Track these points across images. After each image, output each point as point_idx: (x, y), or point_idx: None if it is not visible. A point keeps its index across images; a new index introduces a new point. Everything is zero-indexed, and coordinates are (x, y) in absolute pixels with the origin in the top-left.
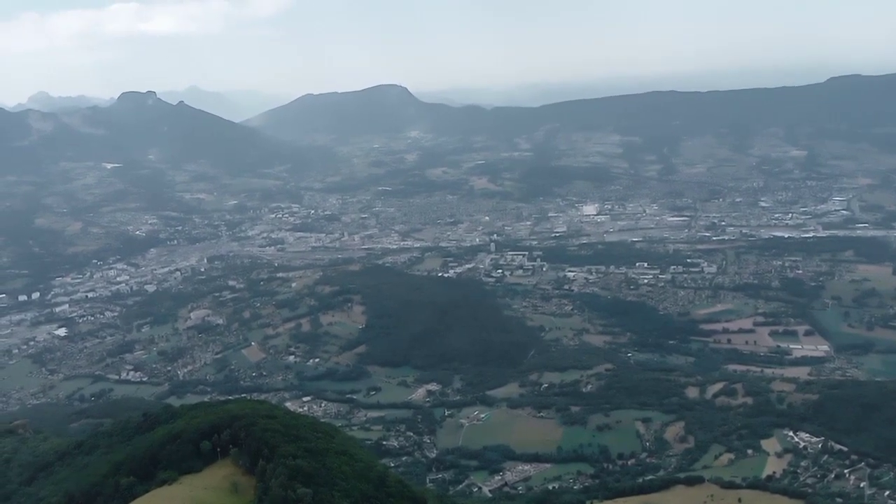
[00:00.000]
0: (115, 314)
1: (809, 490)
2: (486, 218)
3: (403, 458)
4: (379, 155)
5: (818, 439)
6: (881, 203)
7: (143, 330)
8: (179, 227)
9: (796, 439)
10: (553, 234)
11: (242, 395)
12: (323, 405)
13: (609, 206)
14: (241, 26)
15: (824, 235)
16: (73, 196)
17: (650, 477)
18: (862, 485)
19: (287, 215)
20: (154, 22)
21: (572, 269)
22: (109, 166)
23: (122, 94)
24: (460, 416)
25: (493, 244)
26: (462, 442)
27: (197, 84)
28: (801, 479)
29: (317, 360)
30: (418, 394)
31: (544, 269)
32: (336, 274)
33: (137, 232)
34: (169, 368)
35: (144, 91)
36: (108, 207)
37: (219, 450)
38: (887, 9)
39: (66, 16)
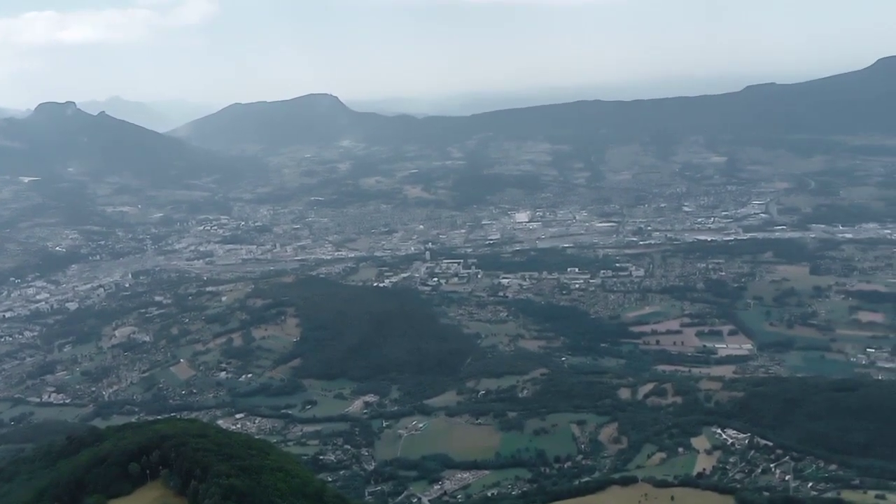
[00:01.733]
0: (35, 334)
1: (738, 485)
2: (421, 227)
3: (341, 472)
4: (311, 165)
5: (745, 435)
6: (797, 206)
7: (65, 350)
8: (102, 242)
9: (724, 436)
10: (487, 242)
11: (172, 415)
12: (257, 422)
13: (540, 214)
14: (165, 35)
15: (745, 238)
16: None
17: (586, 479)
18: (787, 477)
19: (216, 227)
20: (72, 30)
21: (506, 275)
22: (27, 180)
23: (40, 105)
24: (398, 426)
25: (428, 253)
26: (400, 453)
27: (119, 94)
28: (730, 474)
29: (250, 375)
30: (355, 406)
31: (479, 276)
32: (268, 286)
33: (57, 248)
34: (93, 389)
35: (63, 102)
36: (25, 223)
37: (148, 472)
38: (801, 20)
39: None
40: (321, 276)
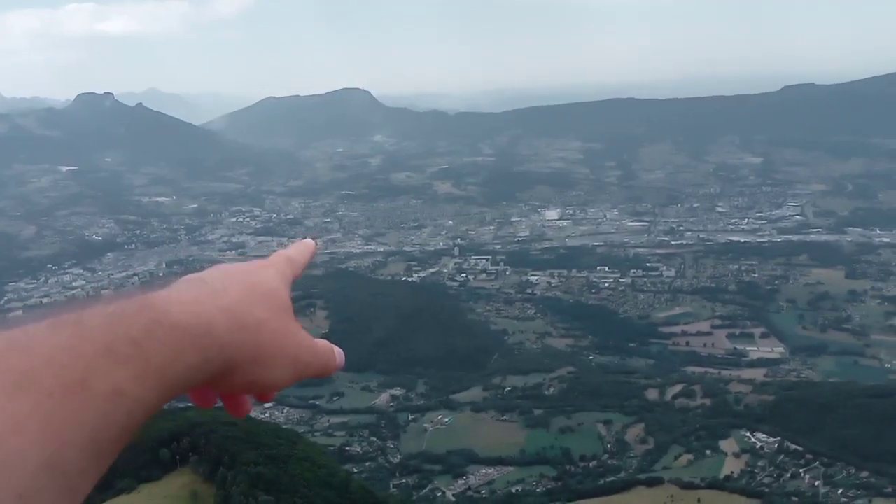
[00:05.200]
0: None
1: (766, 489)
2: (450, 222)
3: (367, 464)
4: (342, 159)
5: (774, 439)
6: (833, 208)
7: None
8: (137, 231)
9: (753, 440)
10: (516, 239)
11: None
12: (285, 411)
13: (571, 211)
14: (201, 27)
15: (779, 240)
16: (28, 199)
17: (611, 478)
18: (816, 483)
19: (248, 219)
20: (111, 22)
21: (535, 273)
22: (65, 169)
23: (79, 95)
24: (424, 420)
25: (456, 248)
26: (426, 446)
27: (156, 86)
28: (758, 478)
29: None
30: (382, 399)
31: (507, 273)
32: (298, 278)
33: (94, 236)
34: None
35: (101, 92)
36: (63, 211)
37: (178, 458)
38: (841, 19)
39: (20, 14)
40: (350, 269)
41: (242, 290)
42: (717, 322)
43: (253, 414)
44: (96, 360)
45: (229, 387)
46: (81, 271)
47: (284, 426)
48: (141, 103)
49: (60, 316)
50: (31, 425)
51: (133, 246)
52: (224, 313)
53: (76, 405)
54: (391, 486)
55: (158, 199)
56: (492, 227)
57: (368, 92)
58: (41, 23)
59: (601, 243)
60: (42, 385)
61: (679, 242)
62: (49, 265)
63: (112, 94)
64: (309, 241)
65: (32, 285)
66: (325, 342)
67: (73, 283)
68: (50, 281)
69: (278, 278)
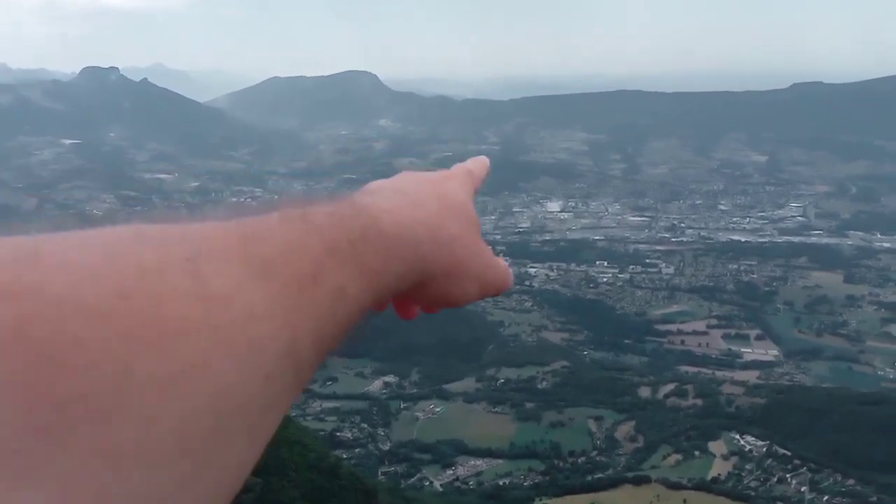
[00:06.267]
0: None
1: (752, 493)
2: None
3: (357, 450)
4: (346, 142)
5: (763, 443)
6: (836, 211)
7: None
8: (138, 208)
9: (742, 442)
10: (517, 230)
11: None
12: None
13: (573, 204)
14: (208, 4)
15: (780, 241)
16: (30, 171)
17: (599, 475)
18: (803, 489)
19: (250, 200)
20: None
21: (534, 265)
22: (68, 142)
23: (84, 68)
24: (416, 409)
25: None
26: (416, 435)
27: (161, 61)
28: (745, 481)
29: None
30: (375, 385)
31: (506, 264)
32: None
33: (95, 211)
34: None
35: (107, 66)
36: (65, 184)
37: None
38: (852, 18)
39: None
40: None
41: (437, 203)
42: (714, 322)
43: None
44: (323, 257)
45: (422, 298)
46: None
47: None
48: (146, 78)
49: (288, 210)
50: (276, 313)
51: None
52: (424, 226)
53: (309, 298)
54: (380, 473)
55: (160, 175)
56: (493, 217)
57: (375, 75)
58: None
59: (602, 237)
60: (281, 275)
61: (679, 239)
62: None
63: (117, 68)
64: (484, 157)
65: None
66: (504, 262)
67: None
68: None
69: (464, 192)
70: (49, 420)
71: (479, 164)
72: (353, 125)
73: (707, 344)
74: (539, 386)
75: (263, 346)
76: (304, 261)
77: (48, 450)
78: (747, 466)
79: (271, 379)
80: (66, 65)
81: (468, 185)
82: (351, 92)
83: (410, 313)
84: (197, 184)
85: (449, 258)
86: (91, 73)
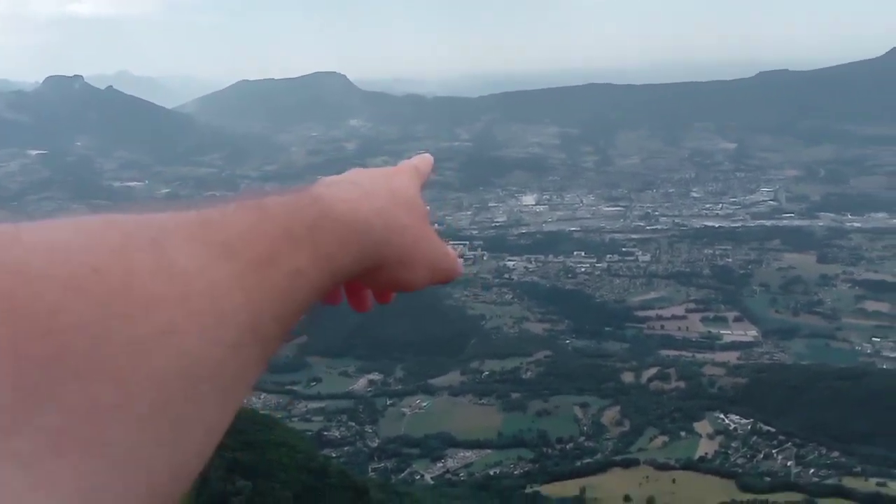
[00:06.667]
0: None
1: (739, 470)
2: (427, 208)
3: (345, 448)
4: (317, 144)
5: (747, 421)
6: (806, 193)
7: None
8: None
9: (727, 421)
10: (493, 224)
11: None
12: (262, 397)
13: (547, 197)
14: (173, 8)
15: (752, 225)
16: None
17: (588, 460)
18: (789, 463)
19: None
20: (83, 3)
21: (512, 258)
22: (34, 153)
23: (48, 77)
24: (402, 405)
25: None
26: (404, 430)
27: (128, 68)
28: (732, 459)
29: None
30: (360, 384)
31: (484, 258)
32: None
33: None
34: None
35: (71, 75)
36: (33, 196)
37: None
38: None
39: None
40: None
41: (389, 195)
42: (692, 306)
43: None
44: (280, 240)
45: (374, 283)
46: None
47: (262, 412)
48: (111, 86)
49: (244, 201)
50: (238, 290)
51: None
52: (377, 215)
53: (268, 278)
54: (370, 469)
55: (130, 183)
56: (469, 213)
57: (344, 76)
58: (10, 3)
59: (578, 228)
60: (241, 256)
61: (654, 227)
62: None
63: (82, 76)
64: (428, 155)
65: None
66: (452, 250)
67: None
68: None
69: (413, 186)
70: (35, 377)
71: (424, 161)
72: (323, 126)
73: (686, 328)
74: (523, 376)
75: (228, 319)
76: (262, 244)
77: (36, 404)
78: (733, 444)
79: (237, 349)
80: (30, 74)
81: (416, 180)
82: (321, 93)
83: (364, 304)
84: (167, 190)
85: (401, 245)
86: (55, 81)
